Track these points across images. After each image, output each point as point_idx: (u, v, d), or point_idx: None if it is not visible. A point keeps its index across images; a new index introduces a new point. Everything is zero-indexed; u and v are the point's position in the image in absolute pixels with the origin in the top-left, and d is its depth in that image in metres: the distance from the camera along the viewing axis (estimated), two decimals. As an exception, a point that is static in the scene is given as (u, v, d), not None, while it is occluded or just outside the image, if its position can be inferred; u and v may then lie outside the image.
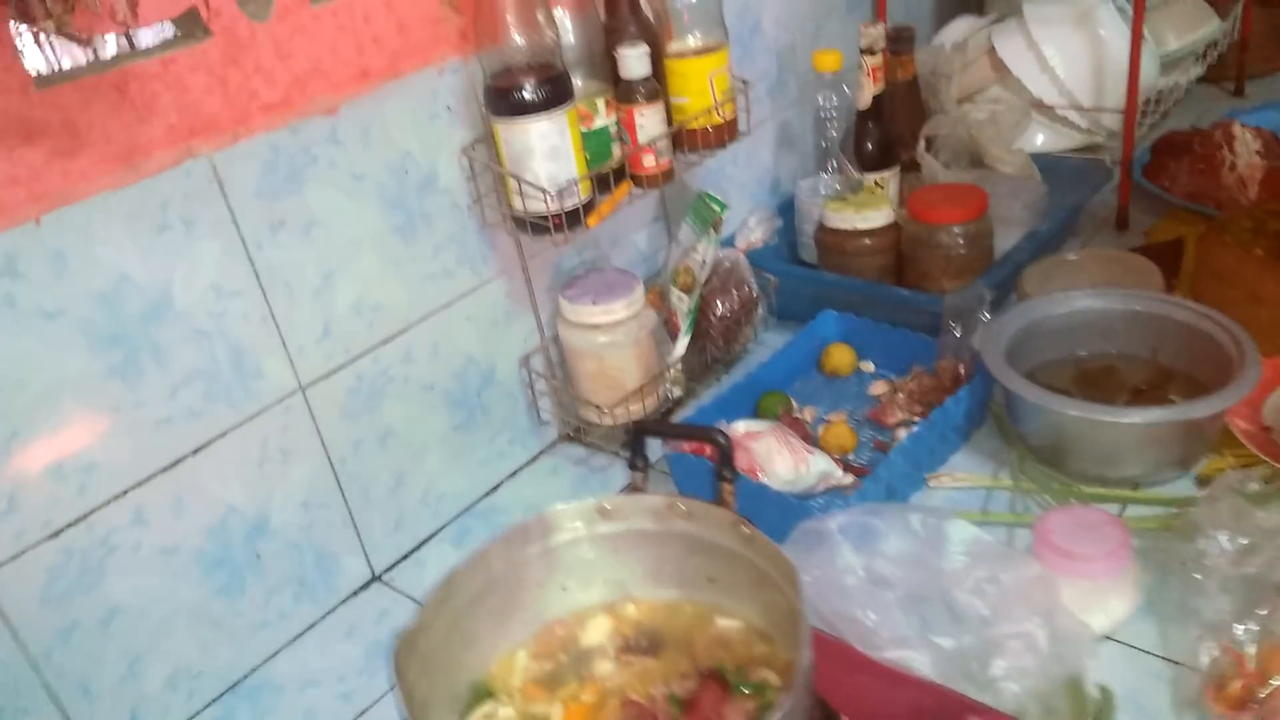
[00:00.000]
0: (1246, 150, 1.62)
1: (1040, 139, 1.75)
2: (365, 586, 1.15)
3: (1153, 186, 1.61)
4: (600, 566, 0.79)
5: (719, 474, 0.73)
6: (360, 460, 1.12)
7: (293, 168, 1.00)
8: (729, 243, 1.43)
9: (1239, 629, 0.85)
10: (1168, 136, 1.70)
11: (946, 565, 0.93)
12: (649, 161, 1.22)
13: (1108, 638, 0.92)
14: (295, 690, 1.03)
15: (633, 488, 0.77)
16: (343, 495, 1.11)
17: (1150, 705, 0.86)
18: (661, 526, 0.76)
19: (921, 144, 1.57)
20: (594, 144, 1.17)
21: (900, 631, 0.87)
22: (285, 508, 1.06)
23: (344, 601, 1.13)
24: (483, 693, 0.73)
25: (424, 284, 1.14)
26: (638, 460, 0.76)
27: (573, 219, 1.14)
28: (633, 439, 0.76)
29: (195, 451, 0.98)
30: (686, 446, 1.17)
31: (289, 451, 1.05)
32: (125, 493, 0.93)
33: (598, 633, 0.77)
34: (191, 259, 0.94)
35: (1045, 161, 1.61)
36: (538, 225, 1.14)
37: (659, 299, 1.37)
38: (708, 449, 1.18)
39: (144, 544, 0.95)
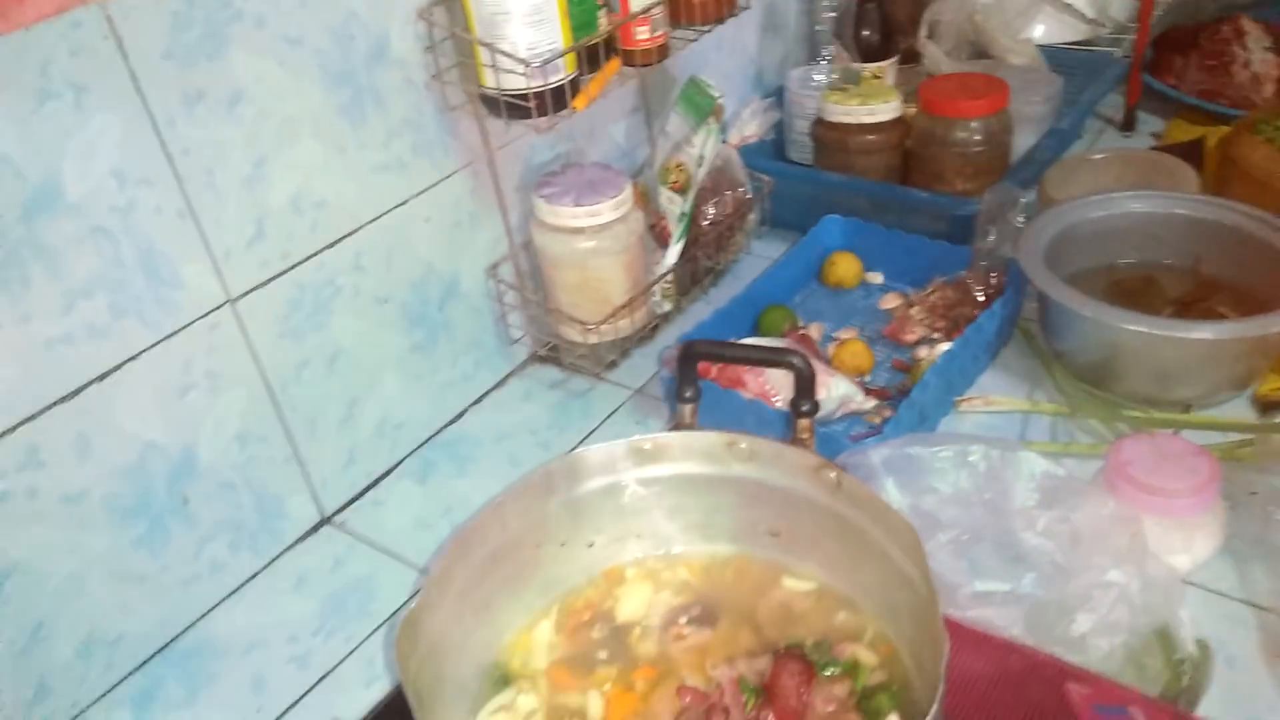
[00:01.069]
0: (1258, 46, 1.51)
1: (1040, 30, 1.60)
2: (314, 530, 0.98)
3: (1161, 84, 1.49)
4: (636, 519, 0.64)
5: (794, 406, 0.58)
6: (304, 386, 0.94)
7: (211, 25, 0.79)
8: (718, 137, 1.26)
9: (1344, 569, 0.75)
10: (1170, 32, 1.58)
11: (1012, 504, 0.81)
12: (642, 34, 1.04)
13: (1185, 581, 0.82)
14: (238, 654, 0.86)
15: (679, 424, 0.61)
16: (284, 427, 0.93)
17: (1240, 655, 0.76)
18: (716, 470, 0.61)
19: (923, 31, 1.41)
20: (578, 10, 0.98)
21: (974, 583, 0.75)
22: (216, 443, 0.87)
23: (289, 548, 0.96)
24: (498, 678, 0.58)
25: (375, 177, 0.95)
26: (686, 389, 0.60)
27: (557, 99, 0.96)
28: (682, 363, 0.60)
29: (101, 378, 0.79)
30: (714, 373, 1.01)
31: (218, 376, 0.86)
32: (14, 429, 0.74)
33: (636, 600, 0.62)
34: (85, 137, 0.74)
35: (1048, 54, 1.47)
36: (513, 106, 0.95)
37: (644, 200, 1.19)
38: (712, 370, 1.03)
39: (41, 491, 0.77)
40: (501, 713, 0.56)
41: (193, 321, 0.84)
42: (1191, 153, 1.33)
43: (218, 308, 0.85)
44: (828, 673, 0.56)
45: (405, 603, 0.49)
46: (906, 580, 0.53)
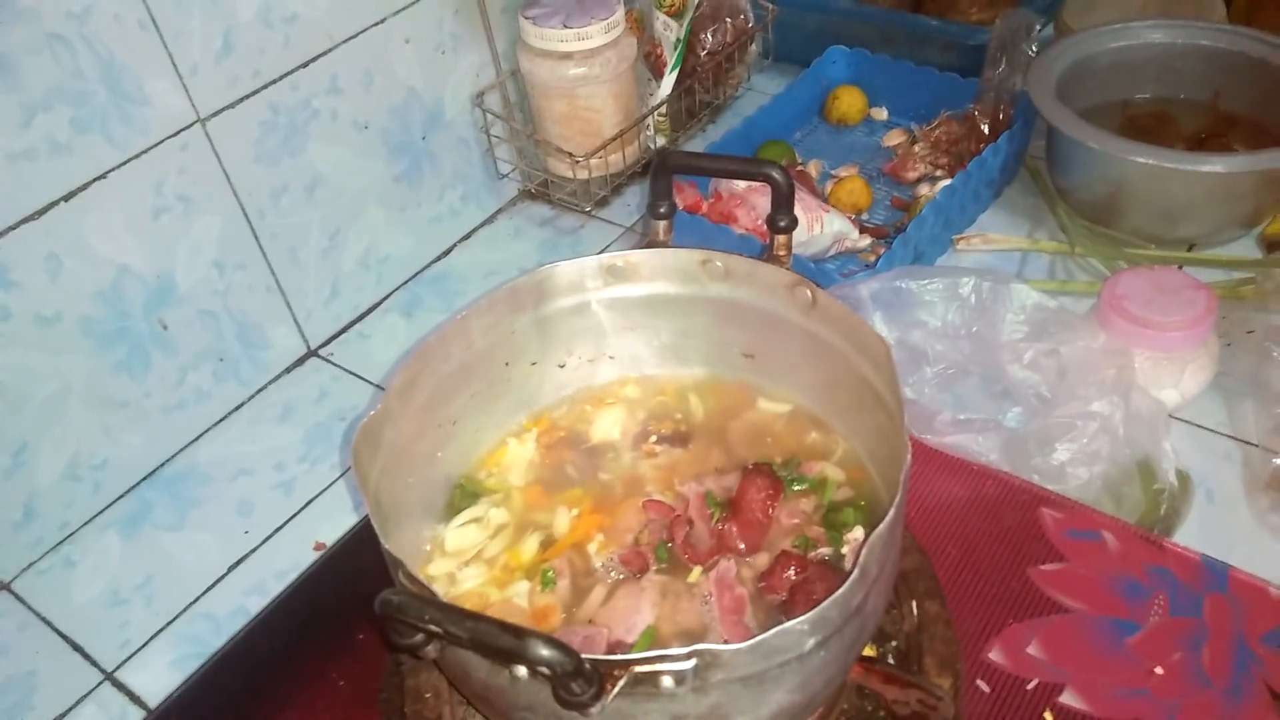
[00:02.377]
0: None
1: None
2: (300, 363, 0.97)
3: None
4: (608, 340, 0.62)
5: (772, 222, 0.55)
6: (282, 214, 0.91)
7: None
8: (719, -40, 1.19)
9: (1337, 407, 0.74)
10: None
11: (1000, 337, 0.79)
12: None
13: (1172, 416, 0.81)
14: (225, 480, 0.87)
15: (653, 241, 0.59)
16: (264, 254, 0.91)
17: (1220, 488, 0.76)
18: (690, 290, 0.59)
19: None
20: None
21: (952, 412, 0.74)
22: (193, 269, 0.86)
23: (275, 379, 0.95)
24: (468, 494, 0.58)
25: (350, -8, 0.90)
26: (661, 204, 0.58)
27: (542, -95, 0.89)
28: (656, 175, 0.57)
29: (67, 197, 0.76)
30: (680, 200, 0.98)
31: (191, 200, 0.84)
32: (-21, 247, 0.72)
33: (609, 421, 0.61)
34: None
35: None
36: (496, -88, 0.89)
37: (638, 28, 1.13)
38: (703, 205, 1.00)
39: (14, 311, 0.76)
40: (473, 525, 0.56)
41: (161, 141, 0.81)
42: (1218, -20, 1.25)
43: (187, 127, 0.82)
44: (795, 489, 0.56)
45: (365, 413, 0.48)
46: (878, 398, 0.51)
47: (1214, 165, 0.88)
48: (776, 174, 0.54)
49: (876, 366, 0.51)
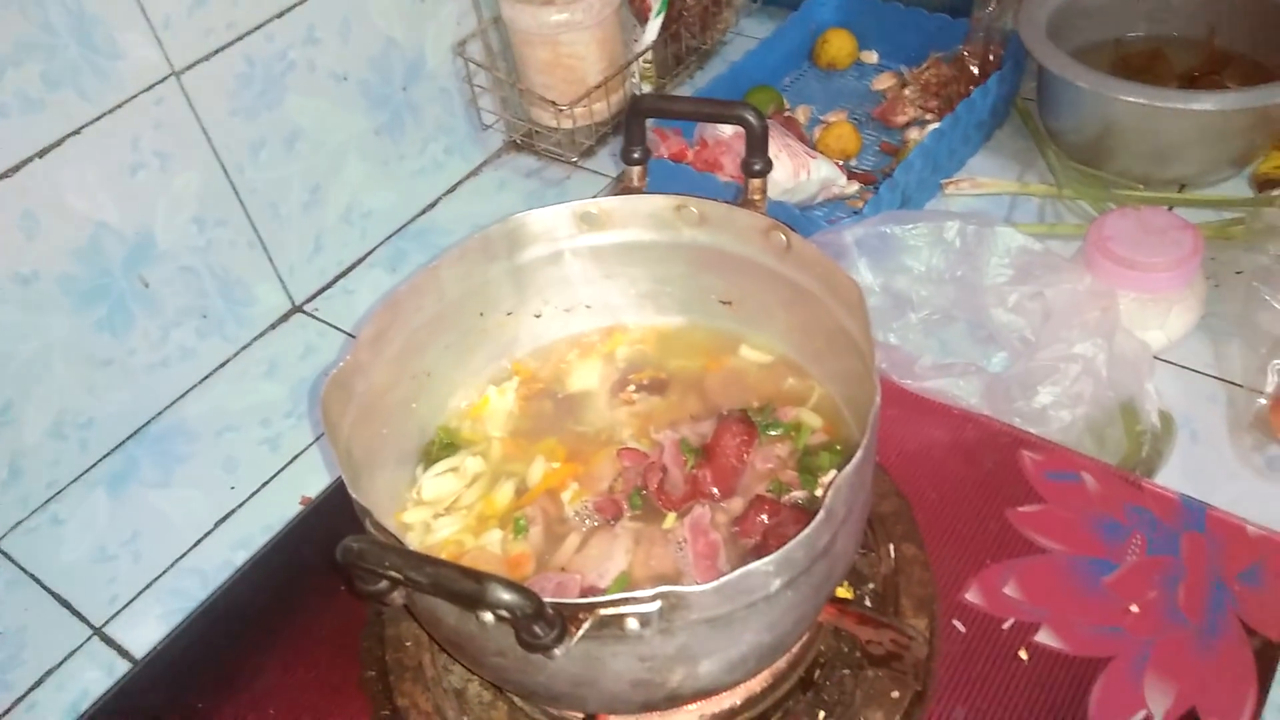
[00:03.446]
0: None
1: None
2: (285, 319, 0.97)
3: None
4: (584, 288, 0.61)
5: (746, 166, 0.55)
6: (261, 168, 0.90)
7: None
8: (704, -100, 1.16)
9: (1324, 346, 0.73)
10: None
11: (985, 280, 0.78)
12: None
13: (1157, 357, 0.80)
14: (211, 436, 0.87)
15: (627, 187, 0.58)
16: (244, 210, 0.90)
17: (1204, 429, 0.75)
18: (665, 236, 0.58)
19: None
20: None
21: (934, 357, 0.74)
22: (173, 225, 0.85)
23: (260, 336, 0.95)
24: (445, 444, 0.58)
25: (324, -62, 0.88)
26: (635, 150, 0.57)
27: None
28: (630, 119, 0.56)
29: (42, 153, 0.76)
30: (665, 149, 0.97)
31: (168, 155, 0.83)
32: (-48, 204, 0.72)
33: (586, 371, 0.61)
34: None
35: None
36: None
37: (622, -29, 1.11)
38: (689, 153, 0.99)
39: (-12, 272, 0.75)
40: (450, 474, 0.57)
41: (136, 95, 0.80)
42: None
43: (161, 80, 0.81)
44: (770, 434, 0.55)
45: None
46: (852, 342, 0.51)
47: (1205, 103, 0.87)
48: (750, 115, 0.54)
49: (850, 310, 0.50)
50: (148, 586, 0.76)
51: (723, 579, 0.38)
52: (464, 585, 0.34)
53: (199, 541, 0.79)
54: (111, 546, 0.79)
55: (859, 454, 0.42)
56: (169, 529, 0.80)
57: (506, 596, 0.34)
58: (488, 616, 0.38)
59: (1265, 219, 0.82)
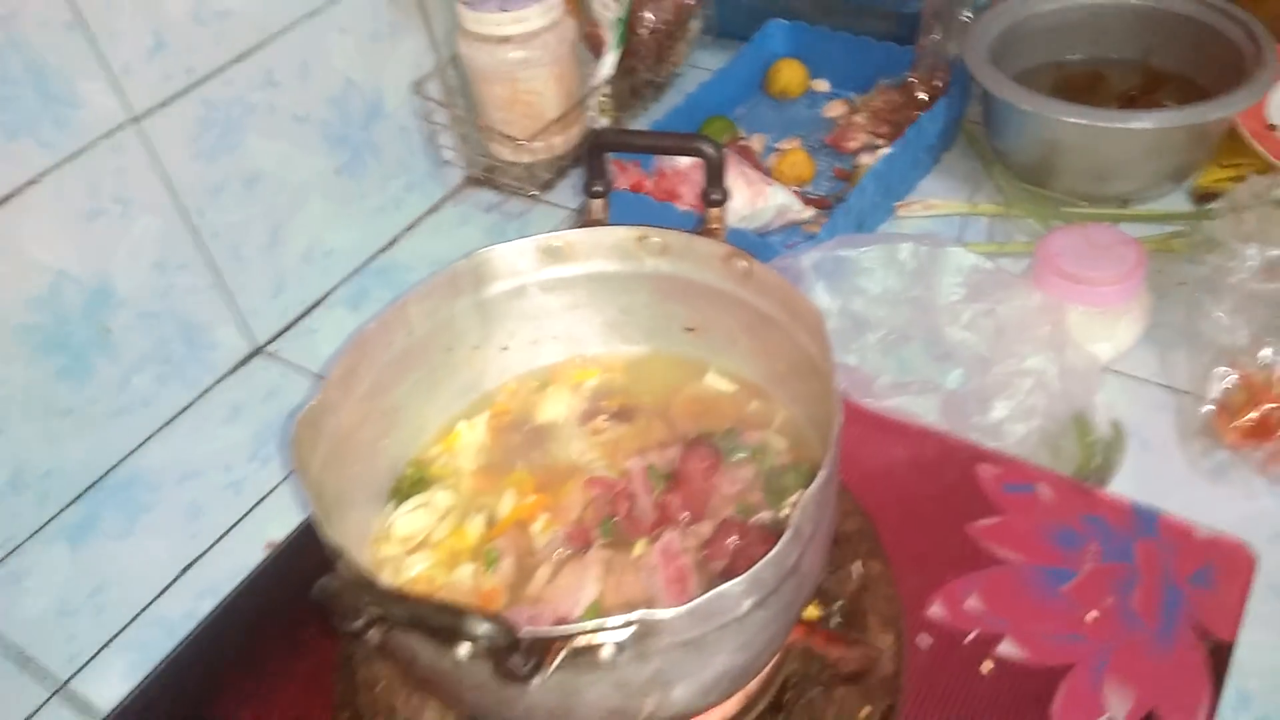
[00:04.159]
0: None
1: None
2: (246, 361, 0.97)
3: None
4: (550, 320, 0.62)
5: (705, 196, 0.56)
6: (223, 210, 0.90)
7: None
8: (655, -63, 1.19)
9: (1264, 352, 0.76)
10: None
11: (939, 300, 0.80)
12: None
13: (1106, 368, 0.83)
14: (173, 483, 0.86)
15: (589, 219, 0.59)
16: (205, 254, 0.90)
17: (1155, 438, 0.78)
18: (628, 266, 0.60)
19: None
20: None
21: (892, 377, 0.76)
22: (133, 271, 0.85)
23: (221, 380, 0.95)
24: (416, 480, 0.58)
25: (281, -17, 0.89)
26: (596, 183, 0.58)
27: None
28: (590, 154, 0.57)
29: (1, 202, 0.75)
30: (624, 180, 0.99)
31: (128, 201, 0.83)
32: (-91, 257, 0.71)
33: (555, 402, 0.62)
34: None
35: None
36: (423, -102, 0.89)
37: (577, 9, 1.13)
38: (647, 183, 1.01)
39: (-54, 323, 0.74)
40: (421, 510, 0.57)
41: (95, 142, 0.80)
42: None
43: (121, 127, 0.81)
44: (736, 457, 0.57)
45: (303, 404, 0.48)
46: (813, 364, 0.52)
47: (1143, 122, 0.90)
48: (707, 147, 0.55)
49: (811, 333, 0.52)
50: (112, 639, 0.75)
51: (694, 602, 0.39)
52: (442, 619, 0.35)
53: (163, 591, 0.78)
54: (74, 600, 0.78)
55: (823, 473, 0.43)
56: (133, 580, 0.79)
57: (483, 629, 0.35)
58: (464, 651, 0.39)
59: (1204, 231, 0.85)
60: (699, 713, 0.47)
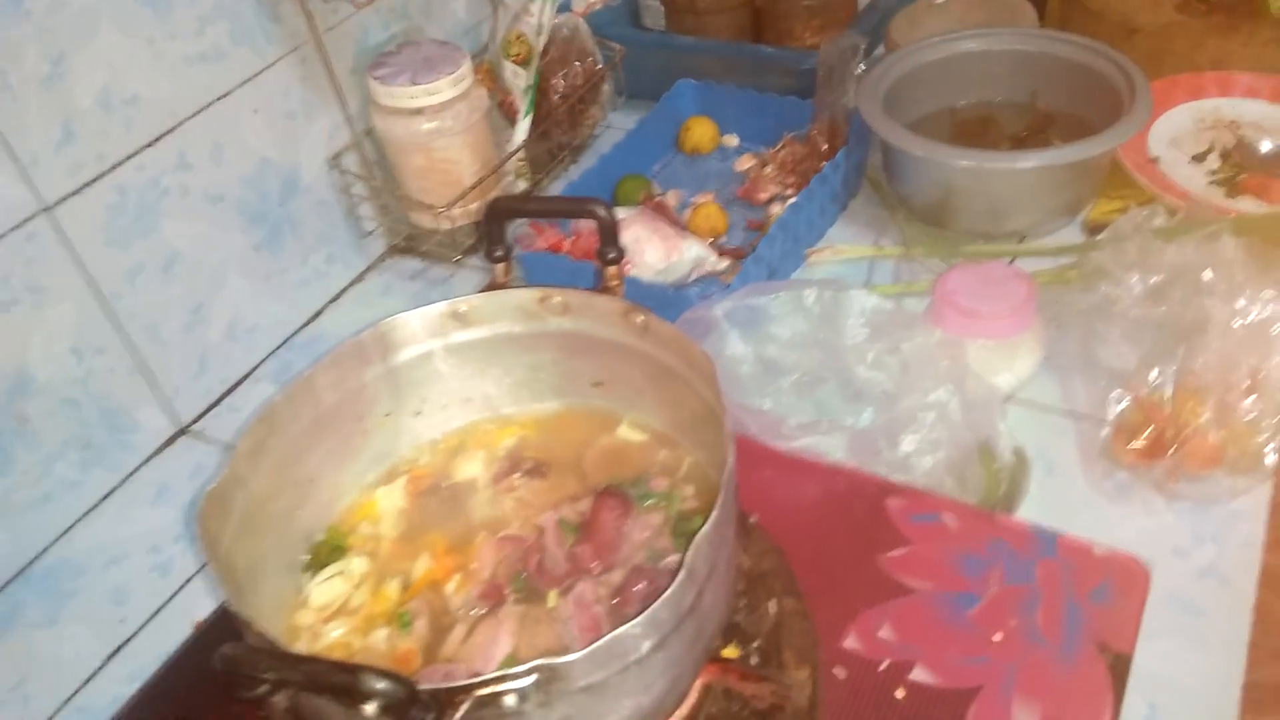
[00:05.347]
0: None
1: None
2: (170, 442, 0.97)
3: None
4: (460, 383, 0.64)
5: (601, 255, 0.59)
6: (140, 293, 0.91)
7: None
8: (565, 8, 1.23)
9: (1153, 374, 0.80)
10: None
11: (845, 341, 0.83)
12: (460, -103, 0.99)
13: (1009, 398, 0.86)
14: (98, 569, 0.86)
15: (493, 284, 0.61)
16: (123, 337, 0.90)
17: (1058, 461, 0.81)
18: (533, 327, 0.62)
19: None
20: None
21: (803, 418, 0.78)
22: (49, 359, 0.85)
23: (146, 461, 0.94)
24: (333, 547, 0.59)
25: (190, 68, 0.91)
26: (496, 249, 0.61)
27: (371, -29, 0.92)
28: (489, 222, 0.60)
29: (-89, 298, 0.75)
30: (542, 242, 1.01)
31: (41, 289, 0.83)
32: None
33: (469, 463, 0.63)
34: None
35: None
36: (327, -19, 0.92)
37: (490, 78, 1.17)
38: (565, 244, 1.03)
39: None
40: (338, 578, 0.58)
41: (5, 233, 0.80)
42: (1036, -8, 1.34)
43: (31, 217, 0.82)
44: (646, 504, 0.58)
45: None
46: (711, 410, 0.55)
47: (1029, 161, 0.96)
48: (598, 209, 0.58)
49: (706, 380, 0.54)
50: (38, 731, 0.74)
51: (594, 645, 0.40)
52: (338, 678, 0.36)
53: (90, 678, 0.77)
54: (-1, 693, 0.77)
55: (715, 513, 0.45)
56: (58, 669, 0.78)
57: (379, 685, 0.36)
58: (370, 710, 0.39)
59: (1094, 262, 0.89)
60: (613, 757, 0.48)
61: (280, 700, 0.40)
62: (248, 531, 0.53)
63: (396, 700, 0.36)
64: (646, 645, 0.43)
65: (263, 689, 0.38)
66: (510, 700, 0.40)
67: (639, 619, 0.42)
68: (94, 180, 0.86)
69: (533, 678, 0.40)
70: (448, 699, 0.39)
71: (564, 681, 0.41)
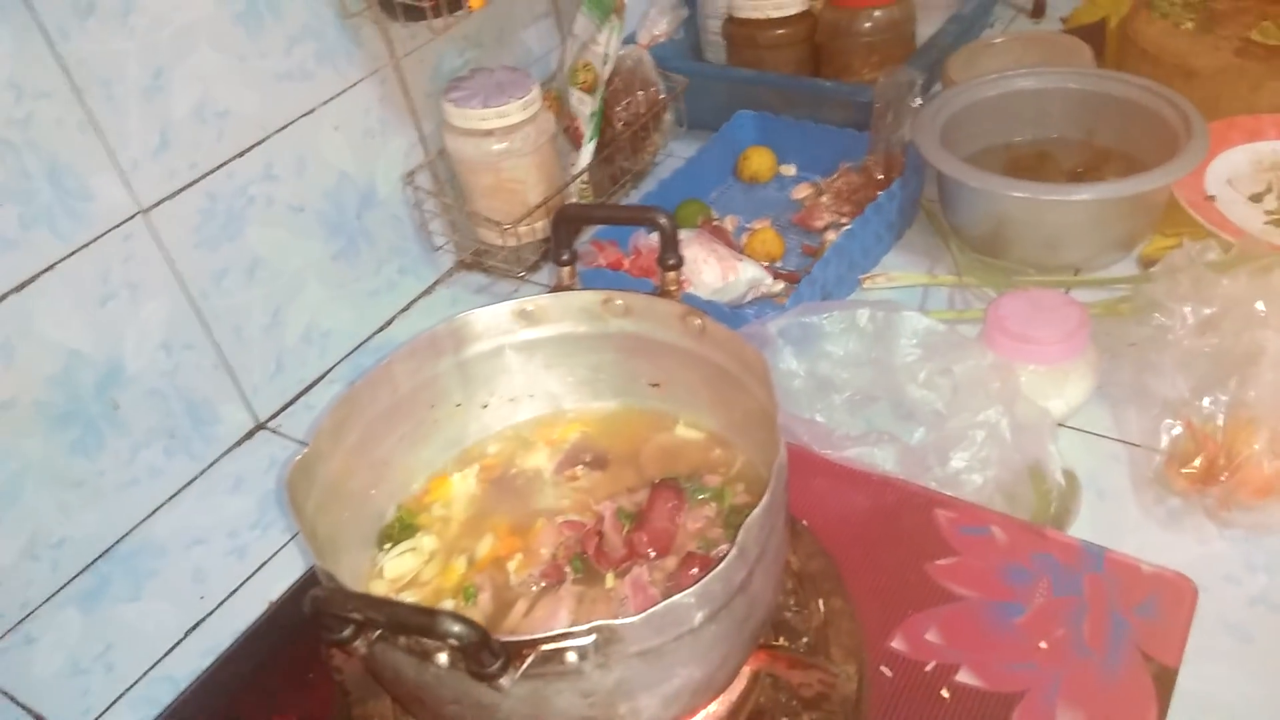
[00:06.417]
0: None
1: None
2: (249, 436, 1.02)
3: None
4: (526, 379, 0.67)
5: (661, 261, 0.62)
6: (225, 294, 0.96)
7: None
8: (630, 40, 1.28)
9: (1205, 403, 0.81)
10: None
11: (897, 361, 0.86)
12: (539, -67, 1.05)
13: (1062, 424, 0.87)
14: (180, 550, 0.90)
15: (559, 286, 0.65)
16: (209, 334, 0.96)
17: (1110, 487, 0.82)
18: (595, 328, 0.65)
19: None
20: (472, -92, 0.99)
21: (857, 430, 0.80)
22: (141, 351, 0.90)
23: (226, 453, 1.00)
24: (405, 526, 0.62)
25: (278, 85, 0.97)
26: (563, 253, 0.64)
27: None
28: (557, 227, 0.63)
29: (19, 288, 0.81)
30: (603, 259, 1.05)
31: (137, 286, 0.89)
32: (-67, 339, 0.77)
33: (533, 454, 0.67)
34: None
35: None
36: (409, 7, 0.97)
37: (557, 104, 1.22)
38: (625, 262, 1.07)
39: (-32, 398, 0.79)
40: (409, 553, 0.61)
41: (105, 232, 0.86)
42: (1094, 34, 1.36)
43: (129, 218, 0.88)
44: (699, 498, 0.61)
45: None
46: (764, 410, 0.57)
47: (1083, 194, 0.97)
48: (660, 217, 0.61)
49: (759, 380, 0.57)
50: (120, 696, 0.78)
51: (649, 610, 0.43)
52: (418, 620, 0.39)
53: (170, 650, 0.81)
54: (84, 661, 0.82)
55: (766, 497, 0.47)
56: (141, 640, 0.82)
57: (456, 628, 0.39)
58: (442, 659, 0.42)
59: (1146, 294, 0.90)
60: (664, 727, 0.50)
61: (360, 646, 0.43)
62: (327, 505, 0.56)
63: (470, 643, 0.39)
64: (699, 616, 0.45)
65: (347, 632, 0.41)
66: (571, 657, 0.43)
67: (692, 589, 0.44)
68: (187, 186, 0.91)
69: (592, 637, 0.43)
70: (515, 650, 0.42)
71: (621, 644, 0.43)
